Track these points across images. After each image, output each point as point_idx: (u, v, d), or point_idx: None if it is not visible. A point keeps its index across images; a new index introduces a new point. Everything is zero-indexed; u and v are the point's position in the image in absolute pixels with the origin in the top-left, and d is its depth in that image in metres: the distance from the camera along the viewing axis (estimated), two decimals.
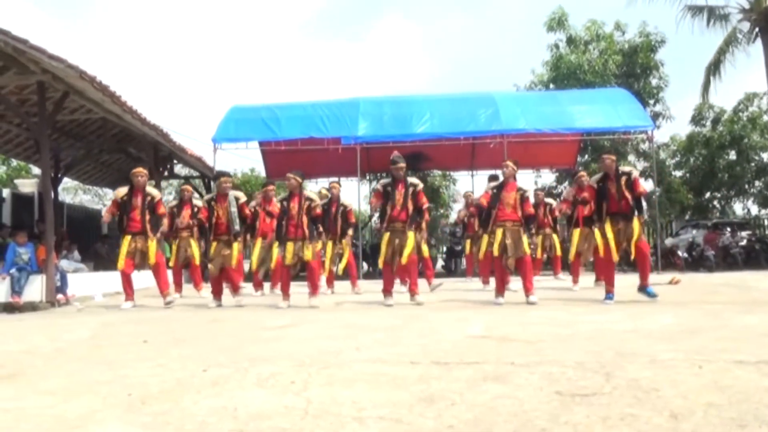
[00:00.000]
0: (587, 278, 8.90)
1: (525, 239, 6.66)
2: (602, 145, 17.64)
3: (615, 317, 4.89)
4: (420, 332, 4.19)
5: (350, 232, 8.66)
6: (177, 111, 56.36)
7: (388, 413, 2.18)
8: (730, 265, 14.75)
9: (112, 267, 12.85)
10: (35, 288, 8.01)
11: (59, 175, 13.98)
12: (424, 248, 8.79)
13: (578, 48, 18.42)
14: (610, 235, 6.45)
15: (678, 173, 21.42)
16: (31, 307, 7.73)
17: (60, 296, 8.25)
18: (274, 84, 68.84)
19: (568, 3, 26.84)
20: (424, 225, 8.13)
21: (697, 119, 21.17)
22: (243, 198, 7.53)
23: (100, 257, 14.20)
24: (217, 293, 7.32)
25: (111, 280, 10.67)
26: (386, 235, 6.85)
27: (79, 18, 68.89)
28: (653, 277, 6.61)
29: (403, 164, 6.89)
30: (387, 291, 6.89)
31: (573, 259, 8.59)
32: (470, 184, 17.57)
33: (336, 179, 12.37)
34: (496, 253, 6.66)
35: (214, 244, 7.25)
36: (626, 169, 6.79)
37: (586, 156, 18.54)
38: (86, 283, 9.74)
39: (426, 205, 7.02)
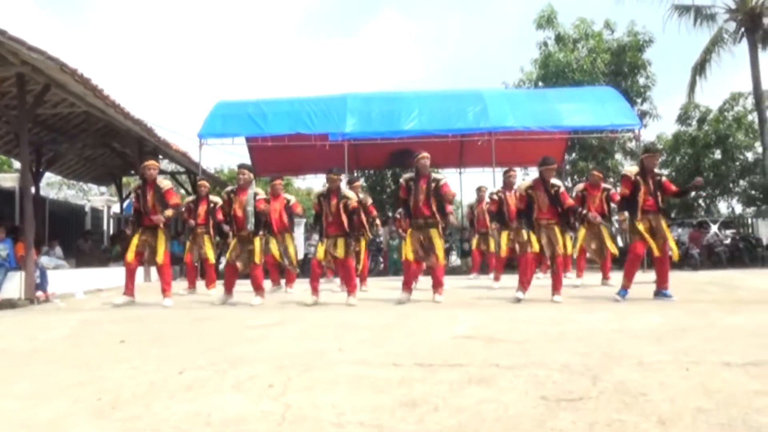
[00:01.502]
0: (589, 276, 8.87)
1: (560, 237, 6.68)
2: (590, 143, 17.72)
3: (604, 316, 4.84)
4: (407, 332, 4.11)
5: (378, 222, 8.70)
6: (163, 106, 55.82)
7: (368, 419, 2.11)
8: (715, 263, 14.85)
9: (95, 263, 12.70)
10: (14, 285, 7.84)
11: (41, 170, 13.72)
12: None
13: (567, 46, 18.42)
14: (643, 231, 6.41)
15: (664, 172, 21.55)
16: (10, 304, 7.55)
17: (39, 293, 8.07)
18: (264, 80, 68.43)
19: (557, 1, 26.88)
20: (452, 219, 8.11)
21: (683, 118, 21.32)
22: (261, 195, 7.31)
23: (82, 254, 13.99)
24: (229, 289, 7.15)
25: (93, 277, 10.50)
26: (409, 231, 6.82)
27: (75, 13, 67.97)
28: (639, 275, 6.61)
29: (426, 154, 6.84)
30: (408, 286, 6.83)
31: (577, 254, 8.57)
32: (458, 182, 17.55)
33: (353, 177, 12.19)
34: (536, 248, 6.61)
35: (235, 240, 7.10)
36: (657, 170, 6.76)
37: (573, 154, 18.59)
38: (67, 280, 9.53)
39: (449, 197, 6.79)
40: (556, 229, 6.68)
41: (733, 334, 3.72)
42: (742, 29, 17.51)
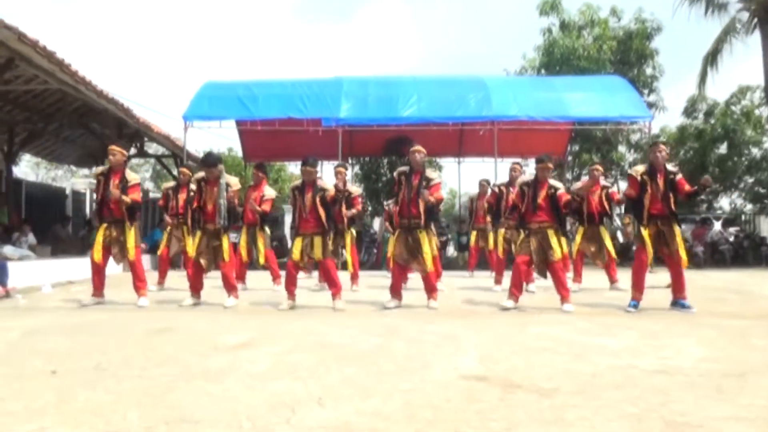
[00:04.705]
0: (588, 277, 8.24)
1: (555, 241, 6.08)
2: (594, 135, 17.01)
3: (629, 342, 4.17)
4: (400, 365, 3.40)
5: (350, 212, 7.93)
6: (148, 84, 54.59)
7: None
8: (718, 261, 14.35)
9: (72, 252, 11.89)
10: None
11: (13, 150, 12.91)
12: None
13: (572, 33, 17.65)
14: (646, 238, 5.86)
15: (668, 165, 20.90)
16: None
17: None
18: (255, 62, 67.15)
19: None
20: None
21: (689, 111, 20.62)
22: (235, 186, 6.53)
23: (59, 240, 13.17)
24: (196, 289, 6.51)
25: (65, 267, 9.69)
26: (397, 232, 6.22)
27: None
28: (650, 278, 6.04)
29: (420, 148, 6.27)
30: (396, 291, 6.26)
31: (575, 257, 7.98)
32: (456, 172, 16.86)
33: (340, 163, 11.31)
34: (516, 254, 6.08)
35: (199, 233, 6.42)
36: (671, 167, 6.10)
37: (576, 146, 17.87)
38: (34, 271, 8.79)
39: (436, 198, 6.13)
40: (549, 233, 6.09)
41: None
42: (755, 20, 16.78)
